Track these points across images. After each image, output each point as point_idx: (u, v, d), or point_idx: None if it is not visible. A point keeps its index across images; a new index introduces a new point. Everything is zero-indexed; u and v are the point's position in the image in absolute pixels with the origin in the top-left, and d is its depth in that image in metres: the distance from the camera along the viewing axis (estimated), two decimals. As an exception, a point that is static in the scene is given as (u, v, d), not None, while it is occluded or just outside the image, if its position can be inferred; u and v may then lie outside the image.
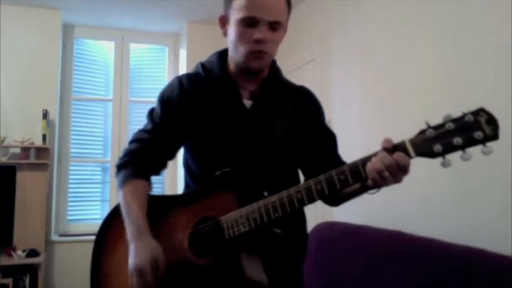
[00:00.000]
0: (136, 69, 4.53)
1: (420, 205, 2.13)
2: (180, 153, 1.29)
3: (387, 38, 2.50)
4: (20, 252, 3.44)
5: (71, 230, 4.12)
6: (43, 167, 3.74)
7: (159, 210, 1.14)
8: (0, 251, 3.40)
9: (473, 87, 1.88)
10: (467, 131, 0.82)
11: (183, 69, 4.28)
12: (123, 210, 1.15)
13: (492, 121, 0.81)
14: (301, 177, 1.26)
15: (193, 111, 1.19)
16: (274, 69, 1.26)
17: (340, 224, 2.45)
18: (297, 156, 1.23)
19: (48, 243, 3.82)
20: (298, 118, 1.22)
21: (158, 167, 1.25)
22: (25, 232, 3.56)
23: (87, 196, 4.34)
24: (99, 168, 4.42)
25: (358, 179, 0.94)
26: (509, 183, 1.66)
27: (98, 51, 4.49)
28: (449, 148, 0.84)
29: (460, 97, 1.94)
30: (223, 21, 1.18)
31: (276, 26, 1.12)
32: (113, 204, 1.23)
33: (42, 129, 3.71)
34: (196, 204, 1.13)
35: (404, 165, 0.89)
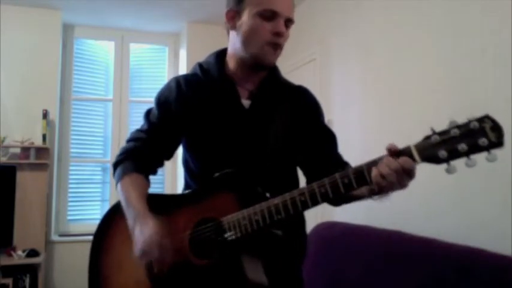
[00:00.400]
0: (136, 69, 4.52)
1: (420, 205, 2.12)
2: (180, 152, 1.29)
3: (387, 38, 2.49)
4: (20, 252, 3.44)
5: (71, 230, 4.12)
6: (43, 167, 3.73)
7: (158, 209, 1.14)
8: (0, 251, 3.40)
9: (473, 87, 1.88)
10: (472, 137, 0.82)
11: (183, 69, 4.28)
12: (122, 200, 1.15)
13: (497, 128, 0.81)
14: (301, 177, 1.26)
15: (191, 112, 1.19)
16: (273, 69, 1.25)
17: (340, 224, 2.44)
18: (296, 156, 1.23)
19: (48, 243, 3.82)
20: (296, 118, 1.22)
21: (155, 165, 1.25)
22: (25, 232, 3.55)
23: (87, 196, 4.34)
24: (99, 168, 4.42)
25: (363, 183, 0.93)
26: (509, 183, 1.66)
27: (98, 51, 4.49)
28: (455, 154, 0.84)
29: (460, 97, 1.94)
30: (232, 15, 1.17)
31: (288, 24, 1.14)
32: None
33: (42, 129, 3.71)
34: (196, 205, 1.12)
35: (409, 169, 0.88)
